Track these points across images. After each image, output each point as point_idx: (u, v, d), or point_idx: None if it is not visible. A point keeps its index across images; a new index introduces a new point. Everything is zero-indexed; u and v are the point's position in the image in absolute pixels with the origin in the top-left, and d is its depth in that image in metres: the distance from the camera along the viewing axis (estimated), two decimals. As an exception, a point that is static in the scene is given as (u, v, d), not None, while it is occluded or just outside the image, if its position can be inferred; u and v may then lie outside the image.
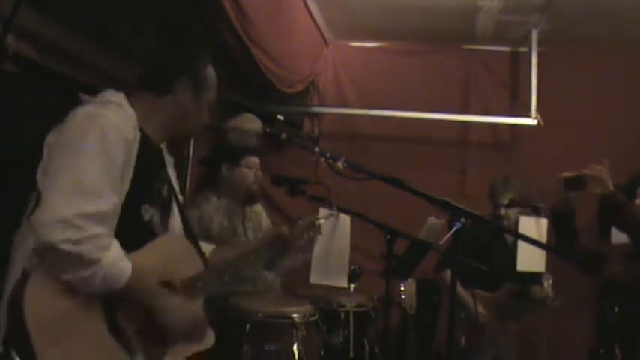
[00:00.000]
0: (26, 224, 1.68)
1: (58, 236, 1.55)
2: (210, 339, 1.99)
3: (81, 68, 3.08)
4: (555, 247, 2.94)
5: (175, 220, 2.01)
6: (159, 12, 2.86)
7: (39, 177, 1.71)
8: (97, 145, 1.67)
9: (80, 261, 1.58)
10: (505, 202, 3.88)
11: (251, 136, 3.11)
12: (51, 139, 1.75)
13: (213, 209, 3.03)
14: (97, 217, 1.62)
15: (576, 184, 2.75)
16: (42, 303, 1.58)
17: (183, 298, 1.83)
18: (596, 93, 4.74)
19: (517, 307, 3.85)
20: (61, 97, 2.32)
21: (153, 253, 1.80)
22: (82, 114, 1.72)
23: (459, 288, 3.80)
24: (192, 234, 2.04)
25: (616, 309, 2.55)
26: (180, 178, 4.55)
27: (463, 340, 3.74)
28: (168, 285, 1.79)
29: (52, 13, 2.79)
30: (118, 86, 1.90)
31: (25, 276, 1.60)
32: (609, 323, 2.55)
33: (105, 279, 1.63)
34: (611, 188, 2.66)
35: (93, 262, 1.60)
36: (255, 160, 3.17)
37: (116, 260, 1.65)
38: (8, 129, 2.50)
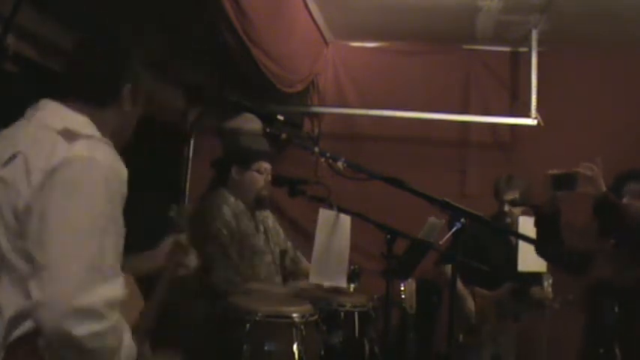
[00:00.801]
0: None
1: (84, 329, 1.35)
2: None
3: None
4: (539, 247, 2.83)
5: None
6: (159, 12, 2.86)
7: (32, 236, 1.41)
8: (108, 208, 1.46)
9: (102, 355, 1.42)
10: (509, 199, 3.90)
11: (263, 140, 3.11)
12: (20, 179, 1.44)
13: (232, 209, 3.08)
14: (118, 301, 1.45)
15: (566, 182, 2.58)
16: None
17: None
18: (596, 93, 4.74)
19: (516, 307, 3.86)
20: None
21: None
22: (79, 164, 1.45)
23: (460, 285, 3.81)
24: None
25: (616, 309, 2.51)
26: (181, 177, 4.59)
27: (461, 337, 3.75)
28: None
29: (52, 13, 2.79)
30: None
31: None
32: (609, 323, 2.52)
33: None
34: (604, 188, 2.53)
35: (113, 355, 1.46)
36: (266, 165, 3.18)
37: (129, 348, 1.53)
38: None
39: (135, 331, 1.67)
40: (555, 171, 2.60)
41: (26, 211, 1.42)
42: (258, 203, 3.20)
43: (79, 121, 1.57)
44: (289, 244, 3.46)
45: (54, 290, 1.36)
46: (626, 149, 4.26)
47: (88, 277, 1.38)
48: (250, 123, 3.04)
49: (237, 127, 3.14)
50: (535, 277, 3.75)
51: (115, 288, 1.44)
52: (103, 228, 1.43)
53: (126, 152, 1.66)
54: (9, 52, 2.48)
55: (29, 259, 1.40)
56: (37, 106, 1.60)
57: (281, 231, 3.46)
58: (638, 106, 4.64)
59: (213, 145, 3.56)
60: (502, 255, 3.84)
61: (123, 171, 1.53)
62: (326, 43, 5.06)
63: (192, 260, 2.06)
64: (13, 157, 1.48)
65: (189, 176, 4.61)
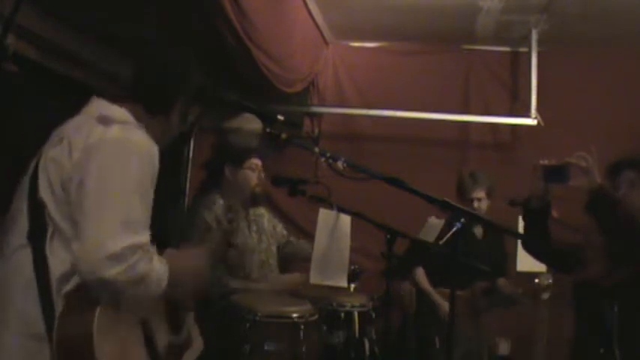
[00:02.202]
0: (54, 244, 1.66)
1: (113, 271, 1.55)
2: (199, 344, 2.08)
3: (81, 68, 3.08)
4: (526, 243, 2.74)
5: None
6: (159, 12, 2.86)
7: (74, 207, 1.65)
8: (139, 175, 1.66)
9: (139, 282, 1.61)
10: (477, 196, 3.89)
11: (252, 137, 3.11)
12: (64, 157, 1.69)
13: (222, 212, 3.05)
14: (143, 248, 1.63)
15: (558, 174, 2.38)
16: (109, 345, 1.60)
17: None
18: (596, 93, 4.74)
19: (488, 304, 3.86)
20: (60, 97, 2.32)
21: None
22: (115, 140, 1.68)
23: (432, 290, 3.84)
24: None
25: (616, 309, 2.47)
26: (181, 178, 4.59)
27: (437, 341, 3.74)
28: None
29: (52, 13, 2.79)
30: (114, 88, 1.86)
31: (69, 309, 1.60)
32: (609, 323, 2.49)
33: (157, 286, 1.67)
34: (599, 181, 2.34)
35: (148, 277, 1.63)
36: (257, 161, 3.18)
37: (160, 266, 1.70)
38: (8, 129, 2.50)
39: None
40: (546, 162, 2.43)
41: (69, 182, 1.65)
42: (252, 200, 3.20)
43: (117, 109, 1.76)
44: (286, 232, 3.48)
45: (85, 243, 1.57)
46: (626, 149, 4.25)
47: (117, 229, 1.58)
48: (250, 123, 3.05)
49: (228, 127, 3.15)
50: (501, 272, 3.78)
51: (139, 237, 1.61)
52: (133, 190, 1.63)
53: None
54: (9, 52, 2.48)
55: (74, 223, 1.63)
56: (88, 103, 1.81)
57: (279, 226, 3.46)
58: (638, 106, 4.64)
59: (212, 146, 3.56)
60: (469, 253, 3.83)
61: (154, 150, 1.72)
62: (326, 43, 5.06)
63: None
64: (60, 140, 1.71)
65: (189, 176, 4.61)
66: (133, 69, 1.88)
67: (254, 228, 3.26)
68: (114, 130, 1.69)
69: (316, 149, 2.29)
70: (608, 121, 4.64)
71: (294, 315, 2.61)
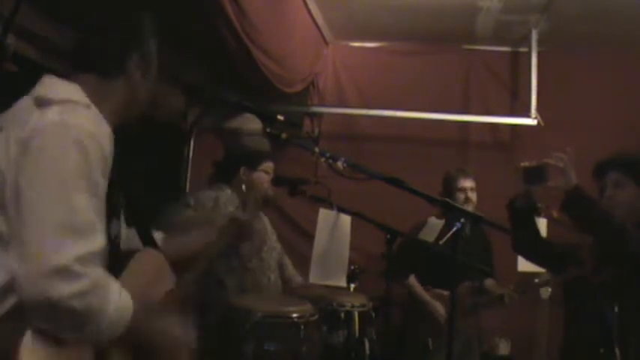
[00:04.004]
0: None
1: (63, 290, 1.31)
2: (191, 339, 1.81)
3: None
4: (514, 243, 2.74)
5: (123, 226, 1.75)
6: (159, 11, 2.86)
7: (10, 205, 1.40)
8: (80, 167, 1.41)
9: (88, 316, 1.36)
10: (465, 185, 3.91)
11: (266, 140, 3.13)
12: (1, 153, 1.43)
13: (228, 199, 3.06)
14: (95, 256, 1.40)
15: (537, 175, 2.41)
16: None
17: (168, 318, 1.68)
18: (596, 93, 4.74)
19: (477, 304, 3.86)
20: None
21: (134, 278, 1.58)
22: (51, 126, 1.43)
23: (424, 294, 3.84)
24: (151, 239, 1.81)
25: (616, 309, 2.48)
26: (181, 179, 4.59)
27: (430, 342, 3.75)
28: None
29: (52, 13, 2.79)
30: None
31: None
32: (609, 323, 2.49)
33: (110, 326, 1.42)
34: (574, 181, 2.37)
35: (100, 313, 1.38)
36: (271, 165, 3.21)
37: (119, 304, 1.44)
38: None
39: (161, 307, 1.66)
40: (527, 163, 2.46)
41: (4, 182, 1.42)
42: (264, 202, 3.22)
43: (63, 88, 1.55)
44: (279, 245, 3.47)
45: (27, 256, 1.34)
46: (626, 149, 4.26)
47: (59, 237, 1.35)
48: (250, 123, 3.04)
49: (240, 128, 3.14)
50: (486, 272, 3.78)
51: (90, 243, 1.39)
52: (74, 187, 1.40)
53: (126, 152, 1.65)
54: (9, 52, 2.48)
55: (11, 226, 1.40)
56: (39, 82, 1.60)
57: (274, 235, 3.47)
58: (638, 105, 4.64)
59: (213, 145, 3.56)
60: (456, 252, 3.83)
61: (101, 132, 1.49)
62: (326, 43, 5.06)
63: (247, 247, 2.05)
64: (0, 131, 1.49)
65: (189, 176, 4.61)
66: (75, 36, 1.70)
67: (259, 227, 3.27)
68: (50, 114, 1.45)
69: (316, 149, 2.29)
70: (608, 121, 4.64)
71: (294, 315, 2.61)
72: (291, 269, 3.41)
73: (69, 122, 1.44)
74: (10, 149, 1.43)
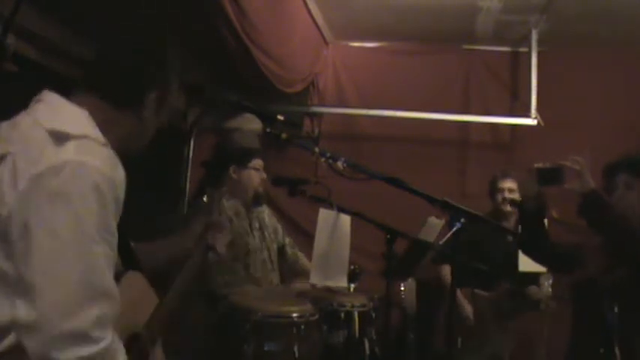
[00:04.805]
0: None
1: (72, 354, 1.26)
2: None
3: (81, 68, 3.08)
4: (524, 245, 2.74)
5: None
6: (159, 11, 2.86)
7: (16, 251, 1.30)
8: (97, 217, 1.33)
9: None
10: (505, 186, 3.91)
11: (255, 137, 3.13)
12: (7, 182, 1.32)
13: (223, 209, 3.06)
14: (110, 320, 1.34)
15: (552, 177, 2.40)
16: None
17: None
18: (596, 93, 4.74)
19: (514, 308, 3.85)
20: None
21: (121, 306, 1.47)
22: (66, 169, 1.32)
23: (456, 289, 3.81)
24: (130, 254, 1.71)
25: (616, 309, 2.48)
26: (181, 179, 4.59)
27: (459, 341, 3.74)
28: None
29: (52, 13, 2.79)
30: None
31: None
32: (609, 323, 2.49)
33: None
34: (591, 184, 2.37)
35: None
36: (260, 162, 3.21)
37: None
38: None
39: (146, 334, 1.63)
40: (541, 165, 2.45)
41: (9, 219, 1.31)
42: (255, 200, 3.22)
43: (74, 117, 1.44)
44: (287, 239, 3.47)
45: (40, 313, 1.26)
46: (626, 149, 4.26)
47: (76, 297, 1.28)
48: (250, 123, 3.05)
49: (230, 127, 3.15)
50: (532, 277, 3.74)
51: (107, 305, 1.33)
52: (92, 240, 1.32)
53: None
54: (9, 52, 2.48)
55: (16, 267, 1.30)
56: (39, 97, 1.49)
57: (279, 226, 3.47)
58: (638, 105, 4.64)
59: (213, 145, 3.56)
60: (499, 254, 3.83)
61: (117, 175, 1.41)
62: (326, 43, 5.06)
63: (222, 243, 2.01)
64: (3, 157, 1.37)
65: (189, 176, 4.61)
66: (95, 54, 1.60)
67: (256, 226, 3.27)
68: (67, 152, 1.34)
69: (316, 149, 2.29)
70: (608, 121, 4.64)
71: (294, 315, 2.61)
72: (303, 262, 3.38)
73: (87, 163, 1.35)
74: (19, 182, 1.32)
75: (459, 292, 3.80)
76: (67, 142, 1.36)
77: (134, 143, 1.60)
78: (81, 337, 1.27)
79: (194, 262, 1.93)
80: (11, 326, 1.30)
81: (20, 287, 1.29)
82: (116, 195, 1.39)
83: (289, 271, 3.41)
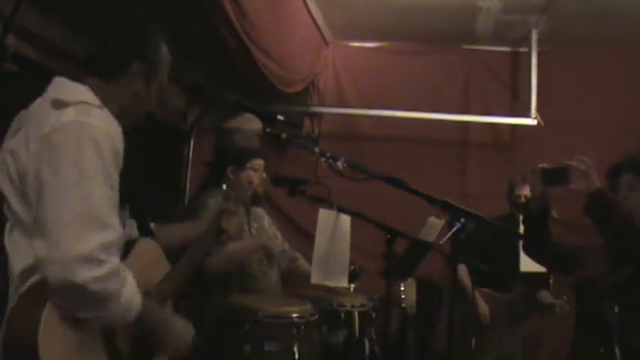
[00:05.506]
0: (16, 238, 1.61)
1: (85, 275, 1.45)
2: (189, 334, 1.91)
3: (81, 66, 3.08)
4: (526, 246, 2.72)
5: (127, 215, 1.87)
6: (159, 11, 2.86)
7: (32, 201, 1.55)
8: (96, 162, 1.55)
9: (105, 299, 1.50)
10: (523, 192, 3.91)
11: (255, 138, 3.12)
12: (21, 149, 1.59)
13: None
14: (114, 247, 1.55)
15: (557, 177, 2.38)
16: (55, 341, 1.50)
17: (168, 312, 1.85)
18: (596, 93, 4.75)
19: (528, 310, 3.85)
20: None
21: (135, 265, 1.71)
22: (68, 125, 1.56)
23: (471, 287, 3.81)
24: (149, 229, 1.96)
25: (616, 309, 2.47)
26: (181, 179, 4.59)
27: (473, 341, 3.74)
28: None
29: (52, 13, 2.79)
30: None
31: (22, 304, 1.53)
32: (609, 323, 2.49)
33: (123, 313, 1.57)
34: (597, 184, 2.35)
35: (115, 299, 1.53)
36: (260, 162, 3.19)
37: (132, 294, 1.58)
38: (8, 129, 2.50)
39: (156, 293, 1.79)
40: (546, 165, 2.43)
41: (25, 175, 1.57)
42: (254, 200, 3.21)
43: (75, 90, 1.67)
44: (287, 244, 3.46)
45: (53, 245, 1.48)
46: (626, 149, 4.26)
47: (81, 227, 1.49)
48: (250, 123, 3.05)
49: (230, 127, 3.14)
50: (542, 281, 3.75)
51: (110, 234, 1.53)
52: (92, 180, 1.53)
53: (126, 152, 1.67)
54: (9, 52, 2.48)
55: (33, 213, 1.54)
56: (51, 83, 1.72)
57: (278, 234, 3.46)
58: (638, 105, 4.64)
59: (213, 145, 3.56)
60: (508, 256, 3.83)
61: (113, 130, 1.62)
62: (326, 43, 5.06)
63: (234, 225, 2.14)
64: (18, 130, 1.64)
65: (189, 176, 4.61)
66: (87, 41, 1.82)
67: (255, 225, 3.27)
68: (67, 115, 1.58)
69: (316, 149, 2.29)
70: (608, 121, 4.64)
71: (294, 315, 2.61)
72: (302, 262, 3.39)
73: (84, 122, 1.58)
74: (30, 145, 1.57)
75: (472, 290, 3.80)
76: (66, 107, 1.60)
77: (129, 115, 1.78)
78: (90, 260, 1.47)
79: (205, 240, 2.07)
80: (34, 269, 1.54)
81: (37, 229, 1.52)
82: (113, 146, 1.60)
83: (290, 272, 3.40)
